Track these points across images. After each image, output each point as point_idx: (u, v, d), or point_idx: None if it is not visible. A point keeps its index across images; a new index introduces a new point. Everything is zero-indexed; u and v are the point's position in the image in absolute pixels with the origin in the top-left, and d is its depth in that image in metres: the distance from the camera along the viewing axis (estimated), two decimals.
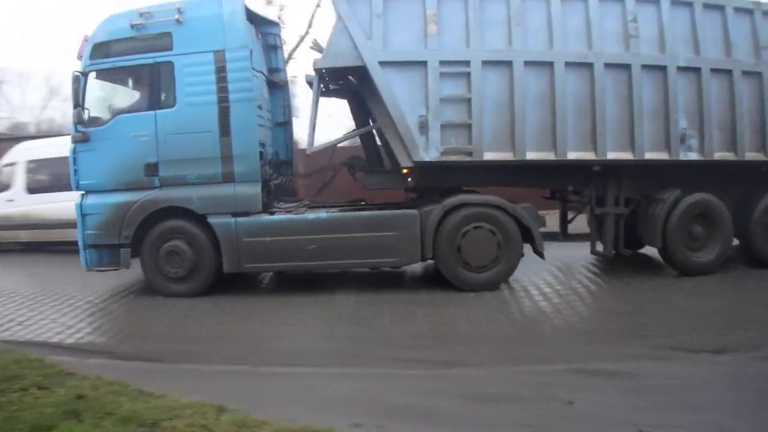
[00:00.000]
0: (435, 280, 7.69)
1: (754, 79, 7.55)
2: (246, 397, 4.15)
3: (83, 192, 7.54)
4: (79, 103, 7.25)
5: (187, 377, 4.81)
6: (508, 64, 7.04)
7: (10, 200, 13.07)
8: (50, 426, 3.67)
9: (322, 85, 7.56)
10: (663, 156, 7.42)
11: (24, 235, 12.93)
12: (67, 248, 12.82)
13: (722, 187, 7.93)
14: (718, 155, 7.55)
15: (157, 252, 7.42)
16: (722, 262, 7.81)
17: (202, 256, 7.33)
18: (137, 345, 5.91)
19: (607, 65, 7.16)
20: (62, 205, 11.46)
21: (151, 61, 7.27)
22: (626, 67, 7.22)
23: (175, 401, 4.02)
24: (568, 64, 7.12)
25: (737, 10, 7.47)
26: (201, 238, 7.31)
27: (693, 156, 7.48)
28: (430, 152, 7.08)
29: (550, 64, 7.10)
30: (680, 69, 7.33)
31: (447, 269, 7.36)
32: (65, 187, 9.05)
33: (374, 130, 7.87)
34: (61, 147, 10.69)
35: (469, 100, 7.04)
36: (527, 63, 7.06)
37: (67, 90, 8.06)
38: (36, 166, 13.04)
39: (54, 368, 4.74)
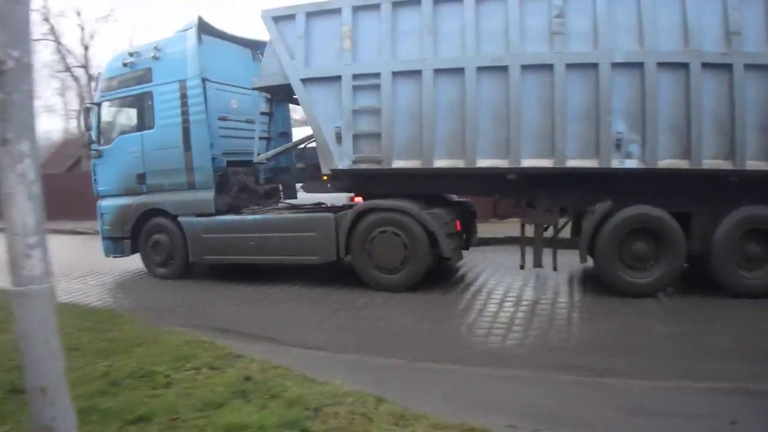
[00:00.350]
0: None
1: (720, 72, 6.39)
2: (402, 390, 4.23)
3: (101, 196, 9.62)
4: (92, 127, 9.34)
5: (346, 367, 5.00)
6: (418, 73, 7.06)
7: None
8: (220, 404, 3.96)
9: (273, 100, 8.70)
10: (591, 164, 6.77)
11: None
12: None
13: (676, 199, 6.90)
14: (665, 163, 6.61)
15: (146, 243, 9.33)
16: (666, 284, 7.01)
17: (177, 247, 9.01)
18: (298, 333, 6.21)
19: (525, 67, 6.75)
20: None
21: (139, 91, 9.01)
22: (549, 67, 6.69)
23: (337, 388, 4.19)
24: (480, 69, 6.89)
25: None
26: (176, 233, 8.97)
27: (632, 164, 6.69)
28: (343, 161, 7.54)
29: (461, 70, 6.93)
30: (617, 65, 6.56)
31: (360, 270, 7.86)
32: None
33: None
34: None
35: (379, 111, 7.30)
36: (437, 71, 7.01)
37: None
38: None
39: (224, 350, 5.13)
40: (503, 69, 6.84)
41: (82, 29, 31.76)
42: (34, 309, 2.34)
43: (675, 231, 6.84)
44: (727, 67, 6.35)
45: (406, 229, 7.59)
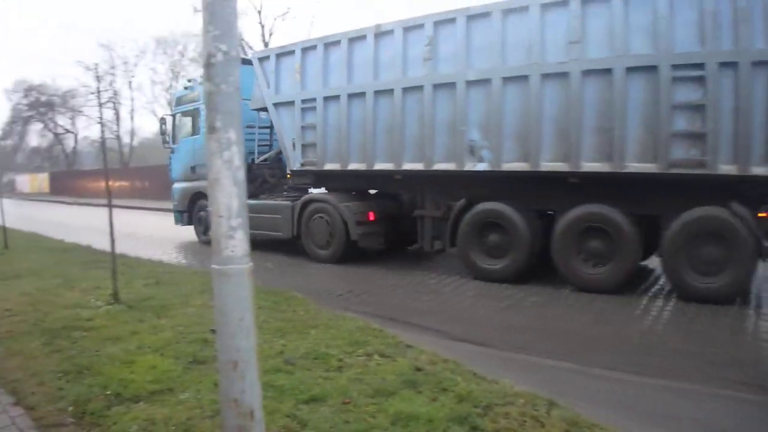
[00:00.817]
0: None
1: (559, 80, 7.24)
2: (575, 395, 4.16)
3: (173, 181, 13.45)
4: (167, 132, 13.41)
5: (515, 366, 4.93)
6: (338, 98, 9.43)
7: None
8: (391, 392, 4.06)
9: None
10: (451, 167, 8.22)
11: None
12: None
13: (523, 198, 8.05)
14: (507, 166, 7.74)
15: (197, 217, 12.99)
16: (514, 271, 8.09)
17: (204, 220, 12.64)
18: (465, 328, 6.21)
19: (405, 89, 8.58)
20: None
21: (192, 107, 12.56)
22: (419, 88, 8.41)
23: (507, 388, 4.14)
24: (376, 93, 8.95)
25: (545, 6, 7.27)
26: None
27: (483, 167, 7.95)
28: (295, 164, 10.26)
29: (363, 95, 9.08)
30: (472, 82, 7.87)
31: (305, 245, 10.56)
32: None
33: None
34: None
35: (312, 127, 9.88)
36: (350, 95, 9.25)
37: None
38: None
39: (394, 339, 5.27)
40: (390, 92, 8.76)
41: (263, 27, 34.27)
42: (233, 287, 2.50)
43: (518, 225, 8.04)
44: (566, 75, 7.18)
45: (330, 216, 10.08)
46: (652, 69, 6.70)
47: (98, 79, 8.10)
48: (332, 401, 3.94)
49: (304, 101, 9.95)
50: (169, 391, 4.19)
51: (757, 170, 6.32)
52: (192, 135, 12.70)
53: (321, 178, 10.45)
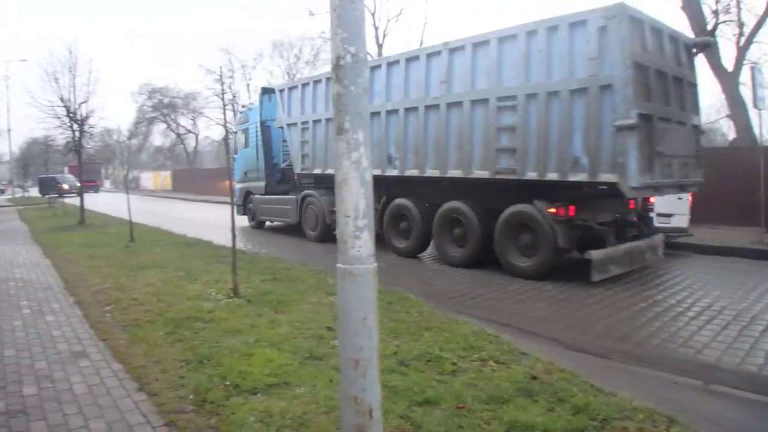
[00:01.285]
0: None
1: (435, 111, 10.18)
2: (695, 414, 3.99)
3: (236, 182, 17.54)
4: (231, 144, 17.10)
5: (633, 379, 4.75)
6: (318, 121, 13.02)
7: None
8: (506, 399, 4.02)
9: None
10: (378, 172, 10.91)
11: None
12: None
13: (424, 195, 11.25)
14: (408, 172, 10.82)
15: (248, 208, 17.47)
16: (417, 250, 11.36)
17: (255, 211, 17.03)
18: (582, 337, 6.08)
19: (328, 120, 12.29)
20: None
21: (244, 126, 17.15)
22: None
23: (626, 402, 4.02)
24: (327, 120, 12.66)
25: (429, 56, 10.26)
26: (254, 203, 17.01)
27: (395, 172, 11.07)
28: (297, 168, 14.10)
29: (321, 121, 13.05)
30: (388, 112, 11.05)
31: (303, 228, 14.64)
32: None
33: None
34: None
35: (307, 142, 13.54)
36: (326, 120, 12.60)
37: None
38: None
39: (509, 346, 5.21)
40: (444, 106, 10.15)
41: (376, 29, 34.76)
42: (358, 286, 2.56)
43: (415, 216, 11.22)
44: (437, 107, 10.10)
45: (316, 206, 14.08)
46: (486, 101, 9.32)
47: (221, 81, 8.57)
48: (446, 405, 3.95)
49: (303, 123, 13.72)
50: (286, 384, 4.35)
51: (551, 176, 8.59)
52: (244, 148, 17.26)
53: (317, 179, 14.18)
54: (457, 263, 10.21)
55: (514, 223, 9.26)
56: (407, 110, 10.70)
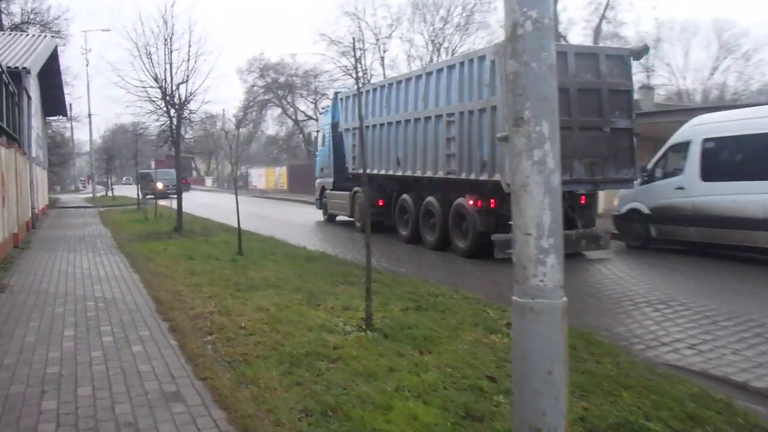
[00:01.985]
0: None
1: (416, 123, 17.28)
2: None
3: (316, 177, 27.74)
4: (311, 143, 31.69)
5: None
6: (373, 126, 19.47)
7: (680, 188, 14.25)
8: None
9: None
10: (391, 172, 19.13)
11: (693, 233, 14.01)
12: (749, 254, 13.18)
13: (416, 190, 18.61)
14: (407, 172, 17.99)
15: (324, 203, 26.47)
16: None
17: (326, 206, 26.38)
18: None
19: (389, 123, 19.07)
20: (745, 198, 12.01)
21: (322, 127, 26.62)
22: (389, 124, 19.01)
23: None
24: (401, 122, 18.15)
25: (407, 80, 18.11)
26: (326, 197, 26.01)
27: (399, 172, 18.47)
28: (351, 168, 21.83)
29: (376, 126, 19.55)
30: (389, 123, 18.96)
31: (354, 221, 23.02)
32: (751, 174, 12.95)
33: None
34: (748, 122, 11.81)
35: (355, 146, 21.05)
36: (365, 127, 17.78)
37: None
38: (714, 146, 13.83)
39: (746, 417, 4.94)
40: (423, 119, 16.94)
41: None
42: (541, 328, 2.44)
43: (411, 209, 18.40)
44: (410, 121, 17.46)
45: (361, 201, 21.18)
46: (440, 116, 15.85)
47: (354, 53, 8.83)
48: None
49: (353, 128, 20.69)
50: None
51: (471, 175, 14.70)
52: (322, 146, 25.85)
53: (368, 178, 19.69)
54: (431, 247, 16.96)
55: (456, 213, 16.00)
56: (399, 122, 18.05)
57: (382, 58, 50.07)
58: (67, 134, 69.44)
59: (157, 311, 8.78)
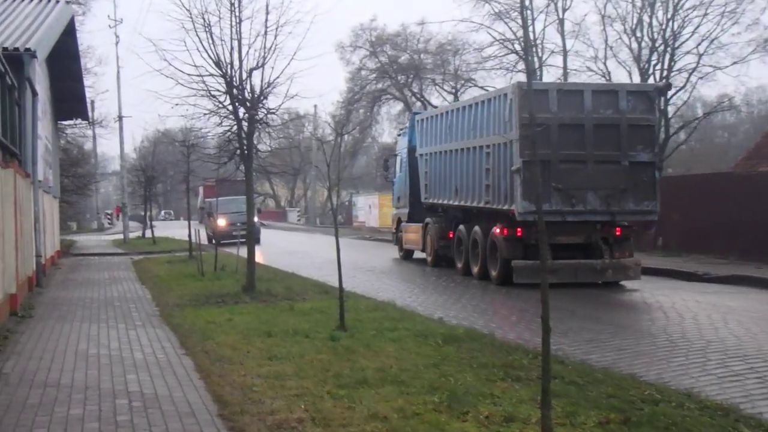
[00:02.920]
0: None
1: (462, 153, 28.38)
2: None
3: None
4: (389, 169, 42.82)
5: None
6: (435, 153, 31.57)
7: None
8: None
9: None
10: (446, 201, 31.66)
11: None
12: None
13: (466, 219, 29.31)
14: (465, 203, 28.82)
15: (399, 237, 38.77)
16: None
17: (400, 239, 39.58)
18: None
19: (453, 151, 29.80)
20: None
21: (398, 152, 39.72)
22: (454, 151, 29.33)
23: None
24: (456, 151, 29.00)
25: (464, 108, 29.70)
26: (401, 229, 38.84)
27: (456, 202, 29.75)
28: (422, 197, 33.51)
29: (436, 153, 31.86)
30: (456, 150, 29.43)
31: (424, 251, 35.17)
32: None
33: None
34: None
35: (427, 173, 32.95)
36: (439, 153, 31.08)
37: None
38: None
39: None
40: (471, 149, 27.38)
41: None
42: None
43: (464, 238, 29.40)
44: (470, 150, 28.20)
45: (431, 234, 32.06)
46: (482, 147, 25.89)
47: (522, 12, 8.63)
48: None
49: (426, 154, 31.14)
50: None
51: (505, 206, 24.26)
52: (399, 173, 34.60)
53: (433, 208, 31.15)
54: (477, 277, 25.94)
55: (491, 242, 24.36)
56: (456, 151, 27.56)
57: (561, 21, 50.56)
58: (89, 146, 71.94)
59: (219, 416, 8.84)
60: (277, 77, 20.35)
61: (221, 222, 46.75)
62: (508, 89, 23.09)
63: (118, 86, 61.79)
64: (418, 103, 61.71)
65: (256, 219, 38.36)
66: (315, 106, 75.39)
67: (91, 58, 56.10)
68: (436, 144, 29.46)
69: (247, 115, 20.29)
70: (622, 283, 24.21)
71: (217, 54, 19.96)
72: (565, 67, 50.71)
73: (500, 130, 23.22)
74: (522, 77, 47.91)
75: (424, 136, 31.48)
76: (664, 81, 24.00)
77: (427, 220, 31.09)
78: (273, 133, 27.13)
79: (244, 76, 20.11)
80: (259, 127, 21.23)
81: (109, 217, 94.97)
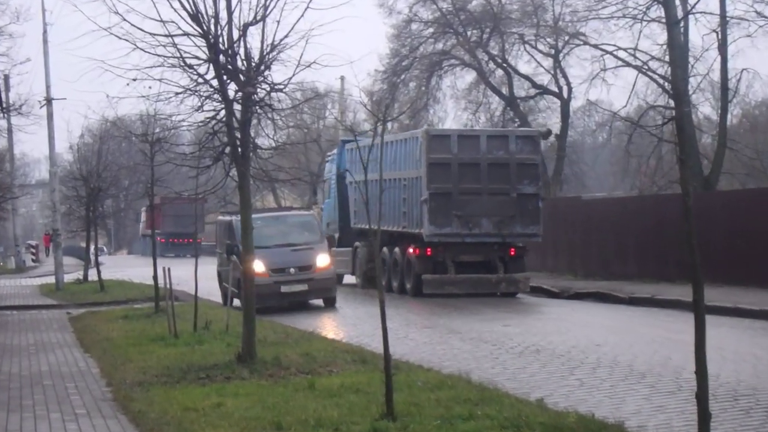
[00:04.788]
0: None
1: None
2: None
3: None
4: (324, 194, 73.32)
5: None
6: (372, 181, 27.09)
7: None
8: None
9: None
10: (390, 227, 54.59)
11: None
12: None
13: None
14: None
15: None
16: None
17: None
18: None
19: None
20: None
21: (327, 177, 69.19)
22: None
23: None
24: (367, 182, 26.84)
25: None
26: None
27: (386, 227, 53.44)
28: (352, 223, 57.92)
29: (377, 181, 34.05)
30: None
31: (354, 274, 62.57)
32: None
33: None
34: None
35: (356, 200, 53.94)
36: (367, 181, 24.13)
37: None
38: None
39: None
40: (393, 180, 49.92)
41: None
42: None
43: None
44: (393, 181, 54.18)
45: (359, 257, 55.15)
46: (400, 179, 49.26)
47: None
48: None
49: (355, 182, 46.01)
50: None
51: (411, 229, 48.88)
52: (328, 198, 58.89)
53: (363, 233, 51.67)
54: (396, 291, 47.69)
55: (407, 261, 47.23)
56: (383, 180, 33.12)
57: None
58: (1, 143, 72.14)
59: None
60: (286, 36, 20.19)
61: (258, 267, 33.35)
62: (418, 133, 45.61)
63: (45, 53, 62.39)
64: (499, 71, 61.86)
65: (325, 260, 42.10)
66: (342, 78, 76.82)
67: (3, 12, 55.77)
68: (370, 172, 34.34)
69: (240, 94, 20.21)
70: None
71: (195, 2, 19.76)
72: (723, 13, 50.68)
73: (413, 166, 43.73)
74: (655, 28, 53.15)
75: (353, 165, 44.96)
76: (545, 128, 42.97)
77: (357, 244, 49.17)
78: (280, 121, 24.70)
79: (236, 35, 19.98)
80: (259, 112, 21.04)
81: (33, 250, 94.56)
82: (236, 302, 32.99)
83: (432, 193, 43.68)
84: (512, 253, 43.83)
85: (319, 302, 42.49)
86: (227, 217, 45.22)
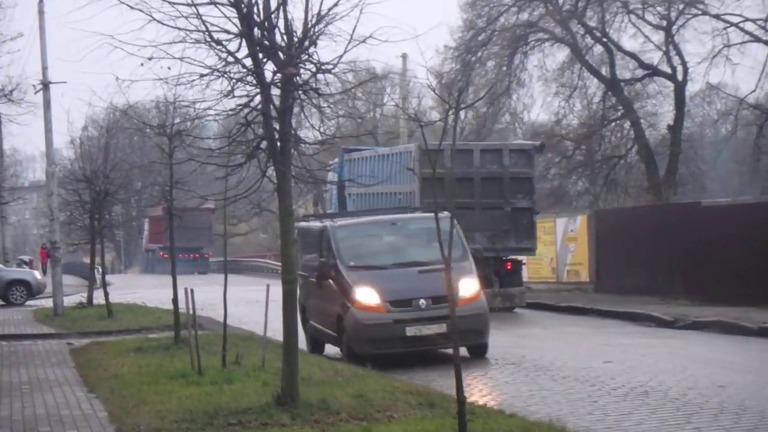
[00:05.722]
0: None
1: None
2: None
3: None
4: (327, 204, 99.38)
5: None
6: (367, 194, 76.84)
7: None
8: None
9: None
10: None
11: None
12: None
13: None
14: None
15: None
16: None
17: None
18: None
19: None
20: None
21: (330, 190, 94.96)
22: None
23: None
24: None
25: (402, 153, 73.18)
26: None
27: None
28: None
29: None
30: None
31: None
32: None
33: None
34: None
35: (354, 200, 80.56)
36: (376, 194, 72.94)
37: None
38: None
39: None
40: (388, 193, 69.97)
41: None
42: None
43: None
44: (389, 194, 74.87)
45: None
46: (395, 193, 70.29)
47: None
48: None
49: (355, 194, 73.95)
50: None
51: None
52: (329, 210, 75.60)
53: None
54: None
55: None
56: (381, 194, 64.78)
57: None
58: None
59: None
60: (335, 4, 19.77)
61: (370, 298, 32.38)
62: (411, 147, 52.85)
63: (41, 27, 62.53)
64: (598, 48, 62.04)
65: (472, 287, 32.55)
66: (404, 56, 77.37)
67: None
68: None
69: (279, 75, 19.92)
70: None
71: None
72: None
73: (407, 181, 49.94)
74: None
75: (351, 177, 55.75)
76: (540, 141, 47.53)
77: None
78: (328, 109, 23.09)
79: (275, 3, 19.69)
80: (302, 97, 20.73)
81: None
82: (329, 348, 33.80)
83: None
84: (509, 267, 52.20)
85: None
86: (317, 224, 39.83)
